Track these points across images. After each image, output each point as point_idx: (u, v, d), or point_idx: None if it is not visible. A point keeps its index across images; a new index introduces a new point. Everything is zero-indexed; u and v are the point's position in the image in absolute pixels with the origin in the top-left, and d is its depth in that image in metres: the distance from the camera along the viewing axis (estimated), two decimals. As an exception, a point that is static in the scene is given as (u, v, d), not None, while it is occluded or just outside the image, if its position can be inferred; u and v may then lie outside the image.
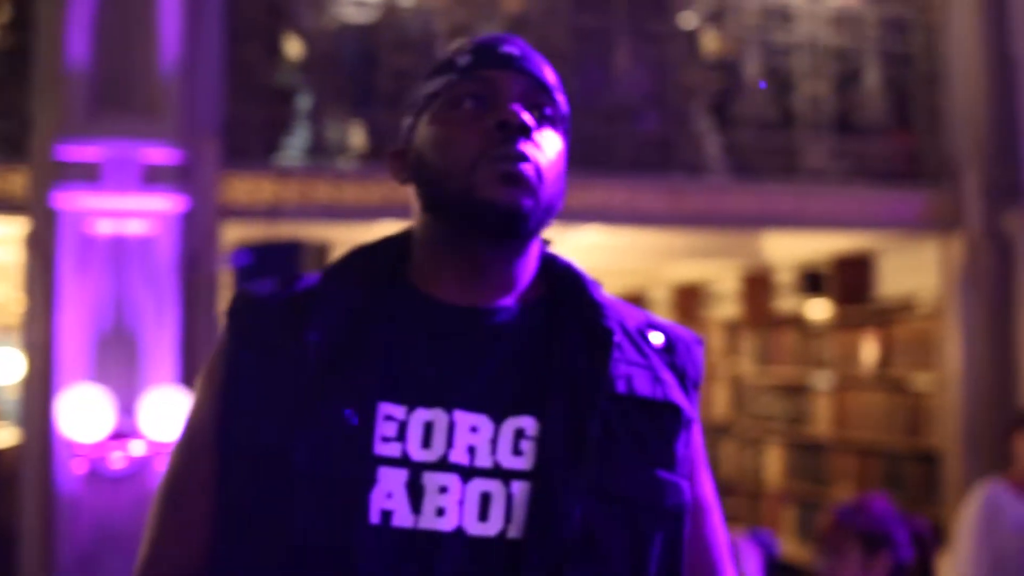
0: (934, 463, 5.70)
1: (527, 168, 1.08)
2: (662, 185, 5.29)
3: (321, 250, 4.52)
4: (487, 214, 1.07)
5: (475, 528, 1.04)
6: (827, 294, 6.73)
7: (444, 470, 1.05)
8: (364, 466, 1.03)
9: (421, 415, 1.06)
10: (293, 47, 5.31)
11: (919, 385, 5.88)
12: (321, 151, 5.17)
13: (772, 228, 5.74)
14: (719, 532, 1.20)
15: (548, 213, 1.11)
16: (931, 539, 2.74)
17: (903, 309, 6.14)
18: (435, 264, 1.13)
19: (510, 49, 1.15)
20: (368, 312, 1.10)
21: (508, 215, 1.07)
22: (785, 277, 7.40)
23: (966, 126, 5.56)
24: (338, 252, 1.23)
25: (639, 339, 1.15)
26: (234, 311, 1.15)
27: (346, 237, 3.99)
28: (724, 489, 7.68)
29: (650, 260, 7.52)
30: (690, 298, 8.41)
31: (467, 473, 1.05)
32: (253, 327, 1.12)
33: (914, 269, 6.14)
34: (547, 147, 1.11)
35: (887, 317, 6.21)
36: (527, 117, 1.09)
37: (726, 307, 8.03)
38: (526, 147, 1.09)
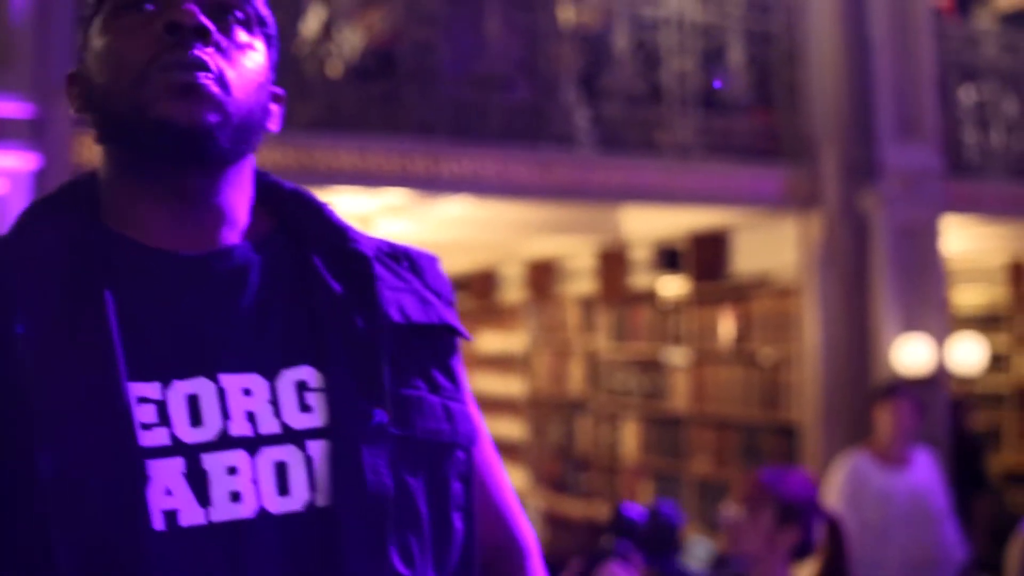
0: (791, 436, 5.83)
1: (205, 77, 0.91)
2: (533, 157, 5.21)
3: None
4: (161, 134, 0.90)
5: (278, 505, 0.88)
6: (683, 271, 6.81)
7: (227, 447, 0.89)
8: (129, 463, 0.84)
9: (180, 388, 0.89)
10: None
11: (775, 360, 6.00)
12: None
13: (637, 202, 5.74)
14: (494, 455, 1.12)
15: (245, 131, 0.95)
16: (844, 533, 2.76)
17: (759, 286, 6.25)
18: (132, 204, 0.96)
19: None
20: (76, 277, 0.90)
21: (186, 134, 0.90)
22: (641, 254, 7.46)
23: (824, 105, 5.68)
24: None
25: (391, 263, 1.02)
26: None
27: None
28: (581, 464, 7.71)
29: (504, 235, 7.45)
30: (544, 274, 8.40)
31: (253, 444, 0.89)
32: None
33: (770, 246, 6.25)
34: (236, 53, 0.95)
35: (743, 293, 6.32)
36: (204, 19, 0.92)
37: (581, 283, 8.04)
38: (204, 53, 0.92)
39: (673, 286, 6.90)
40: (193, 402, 0.89)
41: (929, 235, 5.67)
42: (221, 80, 0.93)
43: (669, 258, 7.00)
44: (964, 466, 5.49)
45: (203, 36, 0.92)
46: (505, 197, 5.28)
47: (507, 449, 8.57)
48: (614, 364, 7.45)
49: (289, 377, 0.93)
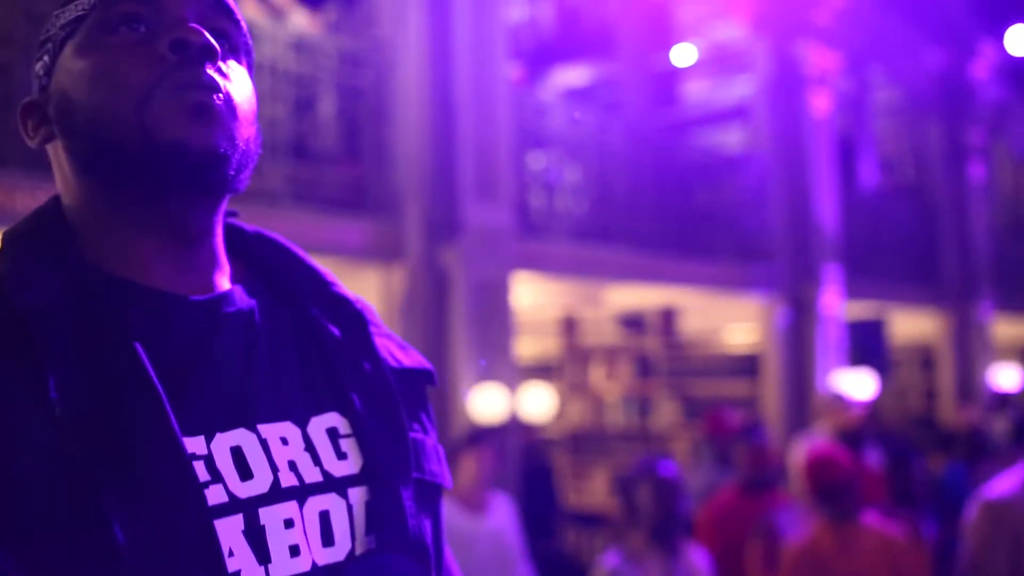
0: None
1: (218, 99, 0.84)
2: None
3: None
4: (175, 159, 0.82)
5: (324, 556, 0.85)
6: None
7: (280, 499, 0.84)
8: (203, 527, 0.77)
9: (224, 441, 0.83)
10: None
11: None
12: None
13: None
14: None
15: (245, 162, 0.88)
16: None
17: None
18: (126, 244, 0.87)
19: None
20: (96, 330, 0.80)
21: (203, 159, 0.83)
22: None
23: (409, 162, 5.87)
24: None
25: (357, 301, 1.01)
26: None
27: None
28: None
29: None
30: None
31: (301, 494, 0.85)
32: None
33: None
34: (236, 78, 0.89)
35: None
36: (211, 38, 0.85)
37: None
38: (214, 74, 0.85)
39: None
40: (238, 455, 0.83)
41: (502, 290, 6.01)
42: (229, 104, 0.84)
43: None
44: (538, 506, 5.85)
45: (212, 56, 0.84)
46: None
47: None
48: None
49: (319, 424, 0.89)
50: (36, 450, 0.74)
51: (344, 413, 0.91)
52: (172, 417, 0.79)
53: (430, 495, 0.94)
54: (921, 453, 6.07)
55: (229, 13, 0.91)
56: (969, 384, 10.92)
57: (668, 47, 9.82)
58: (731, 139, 9.87)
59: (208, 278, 0.90)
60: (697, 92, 10.43)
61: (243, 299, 0.91)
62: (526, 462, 6.01)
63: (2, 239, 0.87)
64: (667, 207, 7.59)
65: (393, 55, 5.92)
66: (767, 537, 4.29)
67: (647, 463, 3.71)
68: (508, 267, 6.06)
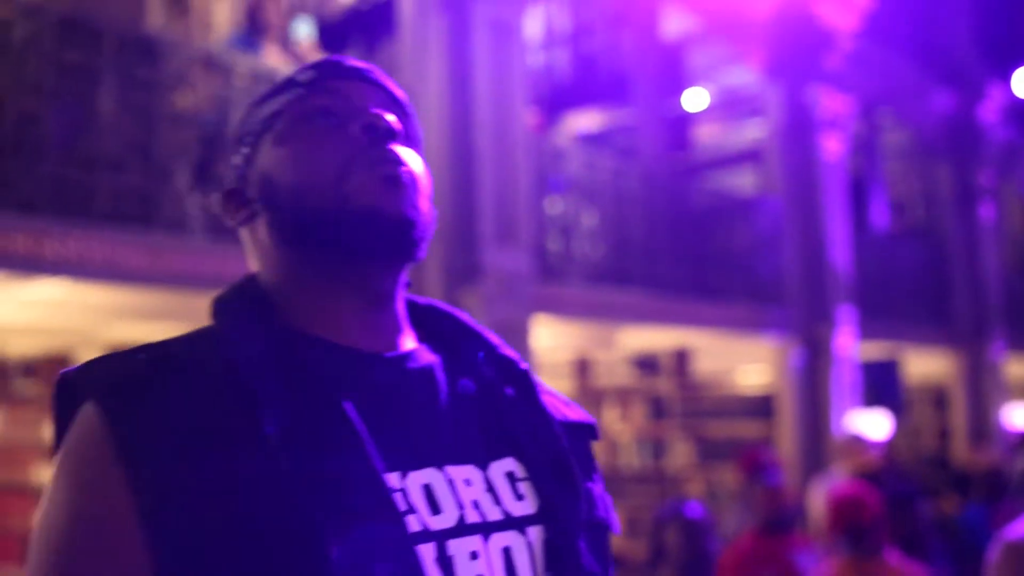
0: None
1: (404, 172, 0.97)
2: (143, 241, 4.99)
3: None
4: (369, 223, 0.94)
5: None
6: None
7: (465, 533, 0.93)
8: (408, 550, 0.87)
9: (416, 479, 0.93)
10: None
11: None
12: None
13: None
14: None
15: (427, 232, 0.99)
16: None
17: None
18: (322, 307, 0.98)
19: (358, 63, 1.04)
20: (303, 381, 0.91)
21: (394, 223, 0.95)
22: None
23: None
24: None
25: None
26: (109, 396, 0.88)
27: None
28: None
29: (85, 319, 7.01)
30: (128, 361, 7.96)
31: (486, 530, 0.94)
32: (157, 420, 0.86)
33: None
34: (415, 158, 1.01)
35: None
36: (394, 120, 0.99)
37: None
38: (398, 149, 0.98)
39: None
40: (428, 491, 0.92)
41: (522, 332, 6.08)
42: (411, 176, 0.96)
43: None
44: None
45: (395, 137, 0.97)
46: (113, 282, 5.00)
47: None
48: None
49: (498, 468, 0.97)
50: (254, 480, 0.84)
51: (519, 459, 1.00)
52: (374, 454, 0.89)
53: (601, 538, 1.02)
54: (931, 494, 6.08)
55: (403, 107, 1.05)
56: (982, 423, 10.93)
57: (681, 92, 9.95)
58: (744, 182, 9.97)
59: (394, 339, 1.01)
60: (709, 136, 10.54)
61: (426, 357, 1.01)
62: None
63: (212, 306, 0.99)
64: (681, 250, 7.67)
65: (413, 102, 6.00)
66: None
67: (673, 505, 3.76)
68: (527, 310, 6.13)
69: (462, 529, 0.93)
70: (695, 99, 10.14)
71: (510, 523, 0.96)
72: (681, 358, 8.86)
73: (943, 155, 11.57)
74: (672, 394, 8.88)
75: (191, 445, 0.85)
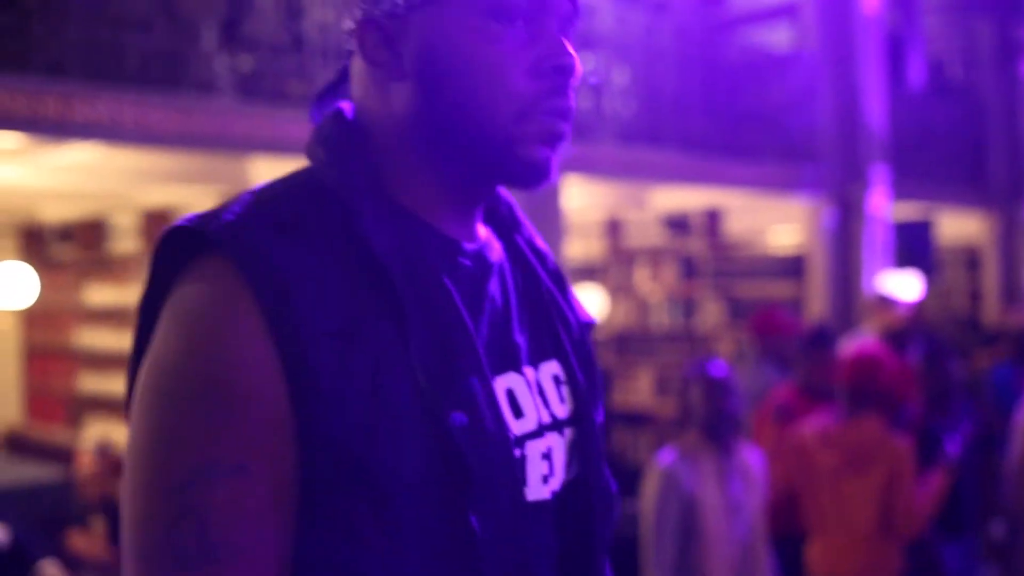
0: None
1: (568, 126, 0.97)
2: (171, 103, 4.97)
3: None
4: (522, 172, 0.95)
5: (536, 492, 0.98)
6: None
7: (540, 435, 0.99)
8: (510, 451, 0.93)
9: (501, 383, 0.97)
10: None
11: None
12: None
13: (278, 154, 5.65)
14: None
15: None
16: None
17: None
18: (429, 187, 0.98)
19: None
20: (418, 271, 0.92)
21: (539, 177, 0.96)
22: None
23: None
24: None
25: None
26: (251, 264, 0.85)
27: None
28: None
29: (117, 182, 7.04)
30: (161, 225, 8.03)
31: (542, 431, 1.00)
32: (303, 302, 0.85)
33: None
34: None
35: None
36: (577, 60, 0.95)
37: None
38: (571, 91, 0.96)
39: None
40: (511, 396, 0.96)
41: (552, 192, 6.06)
42: (570, 127, 0.97)
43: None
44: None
45: (575, 77, 0.94)
46: (143, 145, 5.00)
47: (123, 407, 8.17)
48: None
49: (547, 370, 1.02)
50: (396, 385, 0.87)
51: (562, 362, 1.04)
52: (485, 361, 0.93)
53: (600, 439, 1.09)
54: (962, 353, 6.10)
55: (578, 18, 1.00)
56: (1014, 285, 10.88)
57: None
58: (778, 37, 9.75)
59: (473, 227, 1.02)
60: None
61: (496, 249, 1.04)
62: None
63: (319, 150, 0.96)
64: (714, 108, 7.56)
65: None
66: (781, 420, 4.41)
67: (699, 364, 3.80)
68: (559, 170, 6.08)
69: (539, 432, 0.98)
70: (729, -48, 9.84)
71: (555, 426, 1.01)
72: (712, 218, 8.83)
73: (983, 10, 11.23)
74: (703, 254, 8.88)
75: (338, 335, 0.85)
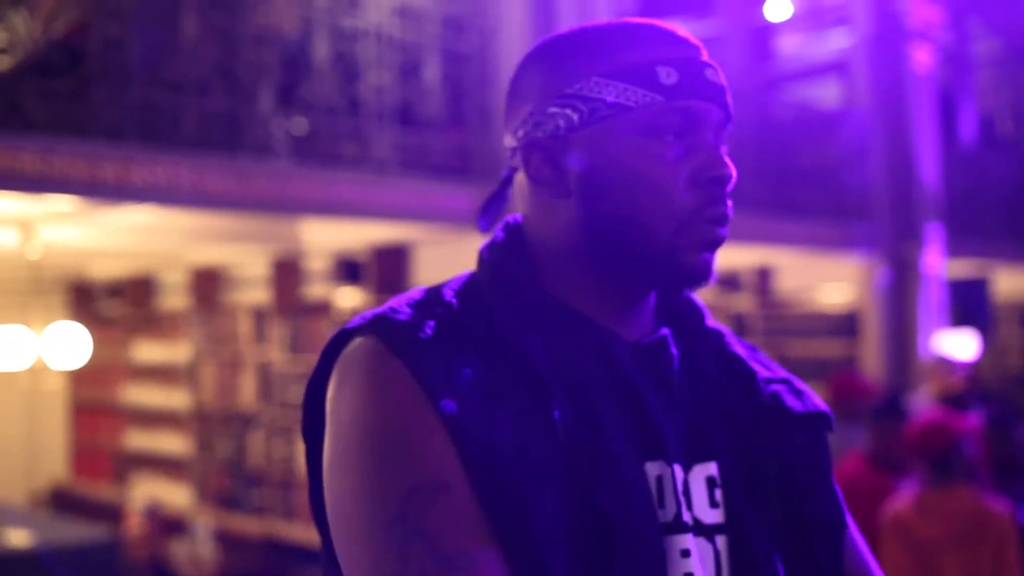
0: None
1: (726, 231, 0.99)
2: (229, 166, 4.96)
3: None
4: (679, 279, 0.98)
5: None
6: (364, 283, 6.77)
7: (680, 531, 0.95)
8: (658, 538, 0.92)
9: (651, 470, 0.95)
10: None
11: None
12: None
13: (332, 216, 5.62)
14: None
15: None
16: None
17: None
18: (590, 289, 1.01)
19: (715, 76, 0.98)
20: (591, 364, 0.96)
21: (700, 280, 0.99)
22: (318, 264, 7.33)
23: (513, 127, 5.84)
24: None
25: (753, 352, 1.13)
26: (406, 349, 0.92)
27: None
28: (253, 480, 7.46)
29: (168, 241, 7.06)
30: (210, 282, 8.04)
31: (694, 531, 0.97)
32: (454, 376, 0.91)
33: (454, 261, 6.34)
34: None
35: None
36: (732, 169, 0.97)
37: (253, 293, 7.78)
38: (728, 200, 0.99)
39: (353, 298, 6.83)
40: (658, 483, 0.95)
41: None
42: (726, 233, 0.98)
43: (349, 270, 6.92)
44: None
45: (730, 185, 0.96)
46: (199, 208, 4.99)
47: (170, 465, 8.14)
48: (288, 377, 7.27)
49: (700, 472, 0.98)
50: (544, 462, 0.89)
51: (721, 462, 1.00)
52: (670, 447, 0.96)
53: (834, 536, 1.03)
54: (1020, 414, 5.93)
55: (728, 126, 1.01)
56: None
57: (764, 1, 9.62)
58: (828, 94, 9.67)
59: (632, 324, 1.03)
60: (793, 46, 10.22)
61: (666, 347, 1.02)
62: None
63: (484, 260, 1.04)
64: (766, 165, 7.48)
65: (496, 19, 5.88)
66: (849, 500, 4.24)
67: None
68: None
69: (677, 526, 0.95)
70: (778, 8, 9.81)
71: (698, 529, 0.97)
72: (763, 276, 8.72)
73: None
74: (754, 312, 8.76)
75: (485, 400, 0.89)
